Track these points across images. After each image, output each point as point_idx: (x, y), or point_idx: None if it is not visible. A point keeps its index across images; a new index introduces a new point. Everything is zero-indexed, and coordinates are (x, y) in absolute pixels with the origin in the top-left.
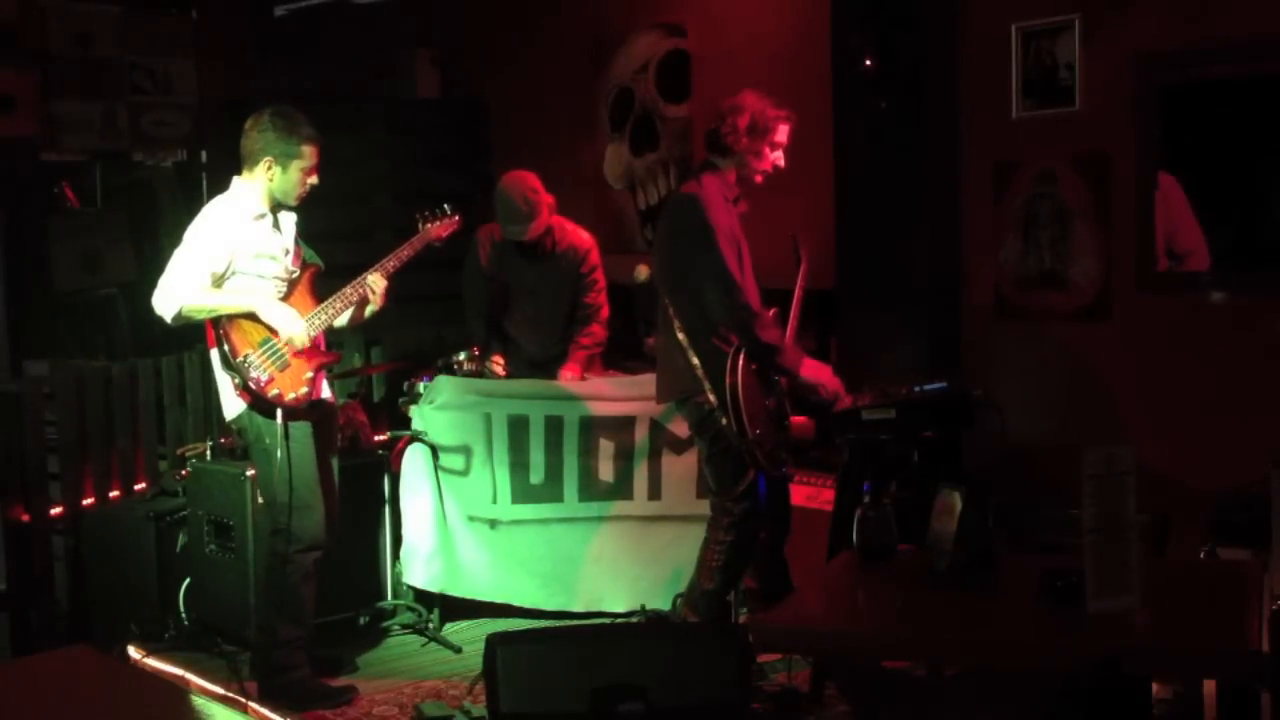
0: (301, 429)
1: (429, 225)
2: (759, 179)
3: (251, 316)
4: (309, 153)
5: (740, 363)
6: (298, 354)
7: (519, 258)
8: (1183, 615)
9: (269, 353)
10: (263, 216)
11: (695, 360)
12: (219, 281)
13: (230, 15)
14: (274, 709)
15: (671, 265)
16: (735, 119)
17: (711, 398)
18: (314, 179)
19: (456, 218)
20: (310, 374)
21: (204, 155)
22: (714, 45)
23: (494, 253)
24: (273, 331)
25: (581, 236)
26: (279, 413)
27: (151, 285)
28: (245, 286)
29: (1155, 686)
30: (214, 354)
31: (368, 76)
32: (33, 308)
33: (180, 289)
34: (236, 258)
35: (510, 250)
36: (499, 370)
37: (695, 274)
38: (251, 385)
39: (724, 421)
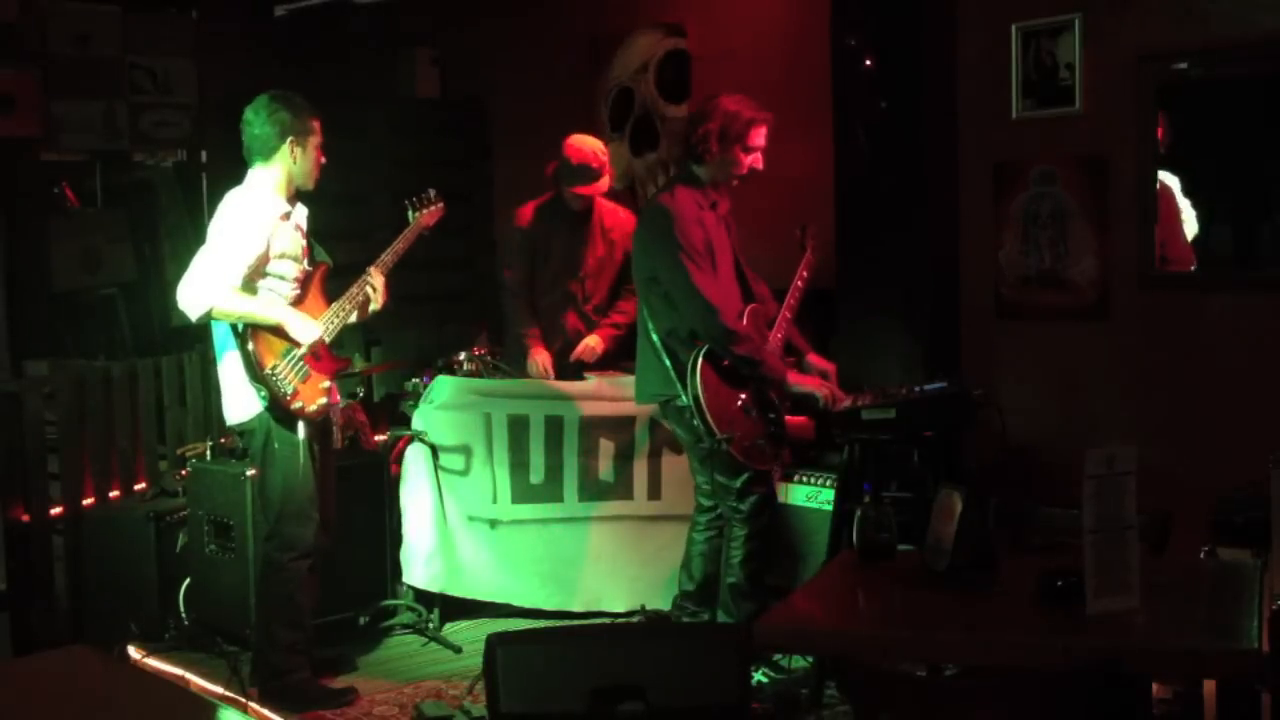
0: (307, 440)
1: (419, 214)
2: (736, 183)
3: (275, 327)
4: (318, 127)
5: (700, 363)
6: (315, 364)
7: (566, 229)
8: (1183, 615)
9: (292, 364)
10: (288, 216)
11: (668, 361)
12: (249, 278)
13: (230, 15)
14: (274, 709)
15: (645, 270)
16: (705, 126)
17: (685, 398)
18: (323, 159)
19: (441, 204)
20: (327, 384)
21: (204, 155)
22: (714, 45)
23: (537, 221)
24: (295, 342)
25: (630, 217)
26: (300, 425)
27: (151, 285)
28: (267, 289)
29: (1155, 686)
30: (229, 360)
31: (368, 76)
32: (33, 308)
33: (213, 288)
34: (263, 258)
35: (557, 221)
36: (546, 355)
37: (668, 283)
38: (280, 399)
39: (696, 422)
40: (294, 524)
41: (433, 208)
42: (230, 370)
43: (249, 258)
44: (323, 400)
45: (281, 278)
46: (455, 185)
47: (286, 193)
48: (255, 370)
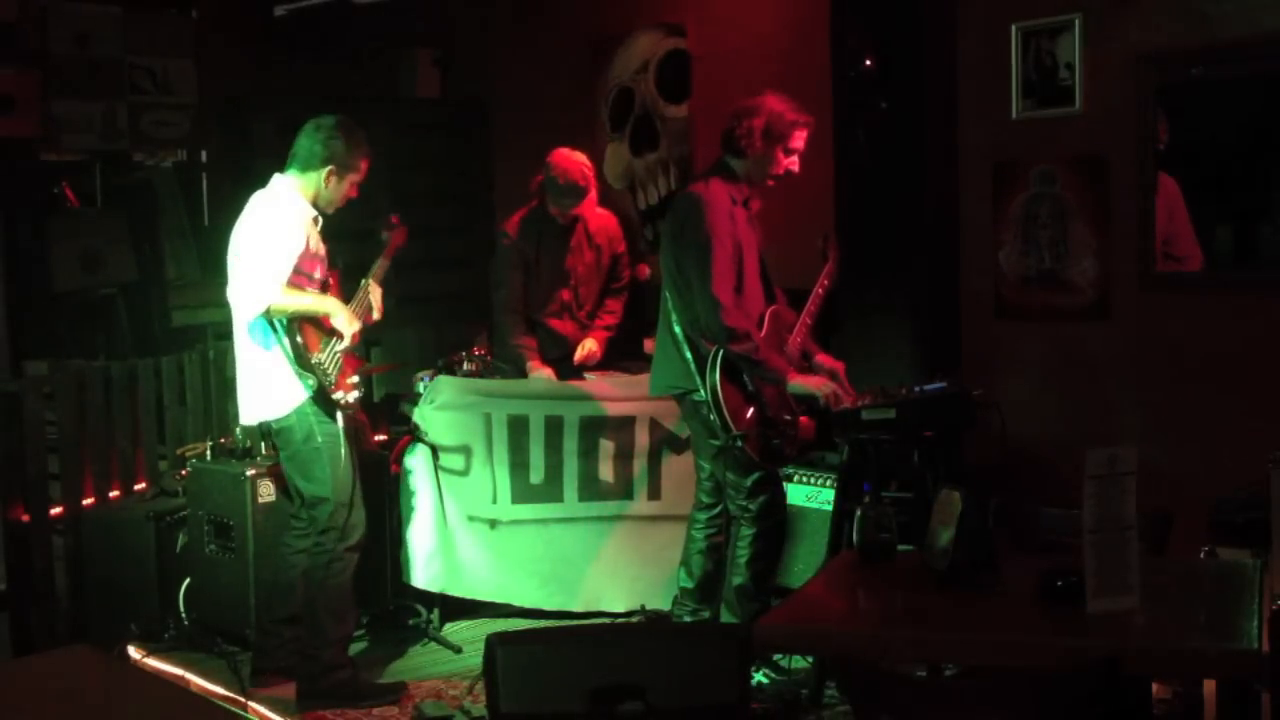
0: (344, 431)
1: (390, 234)
2: (771, 183)
3: (320, 319)
4: (364, 168)
5: (720, 360)
6: (345, 357)
7: (554, 238)
8: (1183, 615)
9: (331, 356)
10: (316, 220)
11: (689, 354)
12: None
13: (230, 15)
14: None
15: (671, 260)
16: (751, 121)
17: (703, 393)
18: (355, 194)
19: (404, 227)
20: (355, 378)
21: (204, 155)
22: (714, 45)
23: (525, 232)
24: (335, 334)
25: (611, 218)
26: (339, 415)
27: (151, 285)
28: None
29: (1155, 686)
30: (269, 355)
31: (368, 76)
32: (33, 308)
33: (270, 288)
34: (303, 257)
35: (545, 230)
36: (547, 370)
37: (689, 270)
38: (326, 388)
39: (712, 418)
40: (350, 513)
41: (398, 229)
42: (269, 364)
43: (295, 255)
44: (356, 394)
45: (311, 278)
46: (455, 185)
47: (310, 204)
48: (304, 360)
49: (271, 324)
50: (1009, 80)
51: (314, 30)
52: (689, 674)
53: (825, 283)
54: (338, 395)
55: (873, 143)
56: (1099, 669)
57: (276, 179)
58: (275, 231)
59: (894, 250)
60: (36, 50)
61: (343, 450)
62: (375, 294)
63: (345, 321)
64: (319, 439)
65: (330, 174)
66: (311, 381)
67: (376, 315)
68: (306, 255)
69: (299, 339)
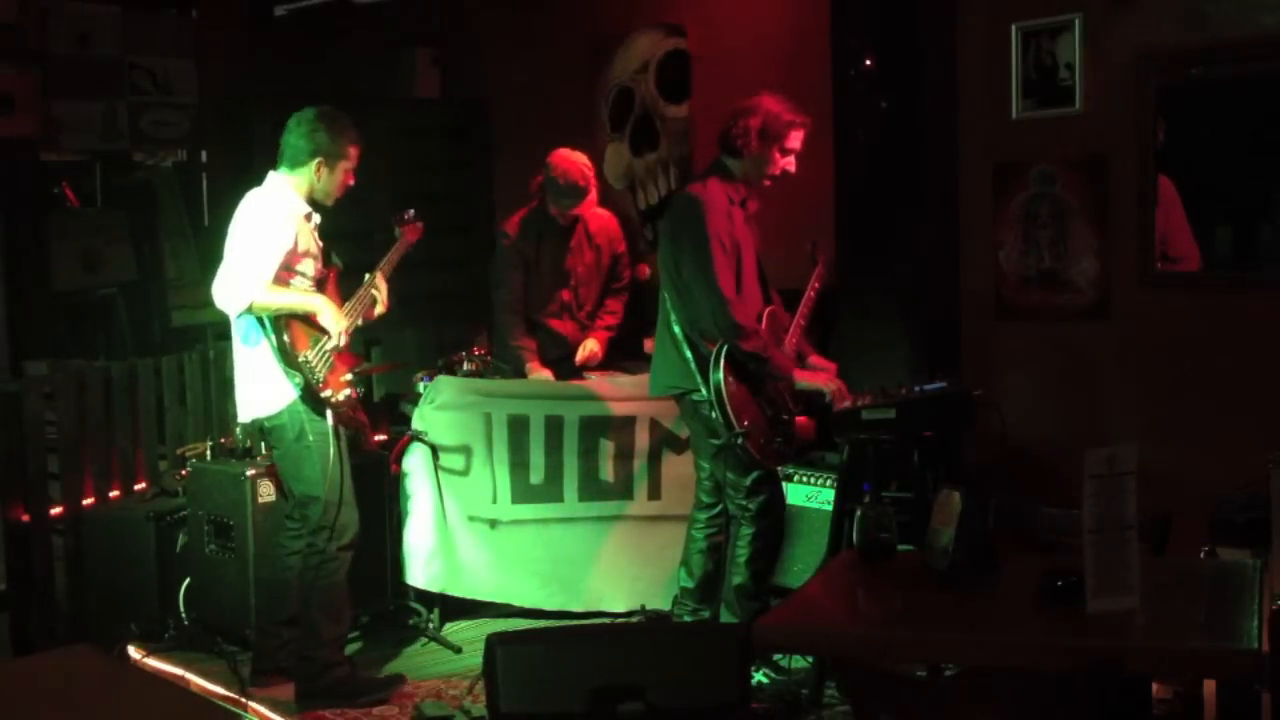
0: (334, 429)
1: (402, 229)
2: (767, 183)
3: (308, 316)
4: (354, 154)
5: (724, 357)
6: (337, 356)
7: (555, 238)
8: (1183, 615)
9: (320, 354)
10: (309, 217)
11: (689, 354)
12: (277, 274)
13: (230, 15)
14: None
15: (669, 260)
16: (747, 121)
17: (704, 391)
18: (352, 181)
19: (419, 222)
20: (348, 376)
21: (204, 155)
22: (714, 45)
23: (525, 232)
24: (324, 332)
25: (611, 218)
26: (329, 414)
27: (151, 285)
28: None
29: (1155, 686)
30: (258, 352)
31: (368, 76)
32: (33, 308)
33: (253, 284)
34: (291, 255)
35: (545, 231)
36: (546, 372)
37: (688, 273)
38: (313, 385)
39: (713, 415)
40: (342, 512)
41: (413, 224)
42: (259, 362)
43: (281, 253)
44: (346, 392)
45: (303, 275)
46: (455, 185)
47: (306, 199)
48: (290, 358)
49: (260, 322)
50: (1009, 80)
51: (314, 30)
52: (689, 674)
53: (816, 285)
54: (326, 393)
55: (873, 143)
56: (1099, 669)
57: (270, 176)
58: (261, 229)
59: (894, 250)
60: (36, 50)
61: (332, 449)
62: (381, 288)
63: (332, 319)
64: (310, 437)
65: (320, 166)
66: (299, 380)
67: (381, 309)
68: (296, 252)
69: (285, 337)
